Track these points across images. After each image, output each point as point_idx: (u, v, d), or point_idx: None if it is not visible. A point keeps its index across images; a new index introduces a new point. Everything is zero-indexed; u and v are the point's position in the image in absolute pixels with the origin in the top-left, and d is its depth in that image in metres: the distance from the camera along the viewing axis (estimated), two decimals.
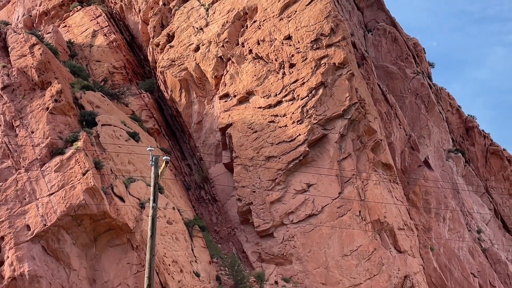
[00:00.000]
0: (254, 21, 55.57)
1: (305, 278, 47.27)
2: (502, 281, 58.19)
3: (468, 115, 75.72)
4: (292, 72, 52.38)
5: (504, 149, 73.62)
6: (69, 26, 66.26)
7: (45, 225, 32.97)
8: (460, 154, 68.59)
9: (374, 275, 47.09)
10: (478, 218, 63.59)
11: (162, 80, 60.12)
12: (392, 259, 48.87)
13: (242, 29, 56.32)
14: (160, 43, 60.62)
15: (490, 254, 59.48)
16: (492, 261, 58.98)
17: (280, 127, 51.54)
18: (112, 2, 68.49)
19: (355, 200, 48.44)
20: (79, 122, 38.54)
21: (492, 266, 58.30)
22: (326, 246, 47.87)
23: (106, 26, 63.76)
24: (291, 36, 53.05)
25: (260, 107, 53.33)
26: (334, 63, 51.10)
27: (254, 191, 50.70)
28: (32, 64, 38.50)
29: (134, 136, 42.43)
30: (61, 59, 45.79)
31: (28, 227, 33.28)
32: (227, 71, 56.00)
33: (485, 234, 62.23)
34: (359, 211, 48.41)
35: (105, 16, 65.06)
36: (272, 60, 53.55)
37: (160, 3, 62.88)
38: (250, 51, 54.88)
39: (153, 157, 22.33)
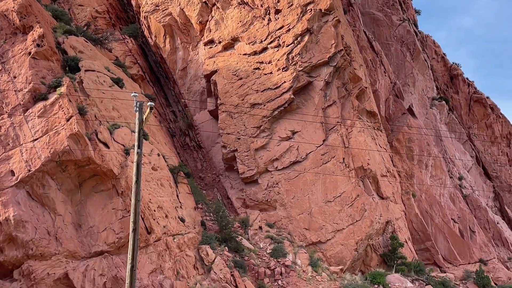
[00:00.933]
0: None
1: (289, 223, 47.99)
2: (482, 226, 59.47)
3: (453, 63, 75.87)
4: (278, 18, 51.82)
5: (487, 97, 74.12)
6: None
7: (29, 170, 32.94)
8: (444, 102, 68.99)
9: (357, 221, 47.90)
10: (460, 165, 64.46)
11: (146, 26, 59.27)
12: (375, 205, 49.66)
13: None
14: None
15: (470, 200, 60.57)
16: (472, 207, 60.11)
17: (265, 74, 51.32)
18: None
19: (339, 147, 48.79)
20: (62, 68, 38.04)
21: (472, 212, 59.46)
22: (310, 193, 48.45)
23: None
24: None
25: (245, 54, 52.92)
26: (320, 9, 50.57)
27: (239, 138, 50.83)
28: (13, 7, 37.66)
29: (118, 82, 42.04)
30: (42, 2, 44.82)
31: (12, 172, 33.22)
32: (212, 17, 55.25)
33: (466, 180, 63.20)
34: (343, 158, 48.83)
35: None
36: (257, 5, 52.83)
37: None
38: None
39: (138, 103, 22.21)
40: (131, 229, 16.40)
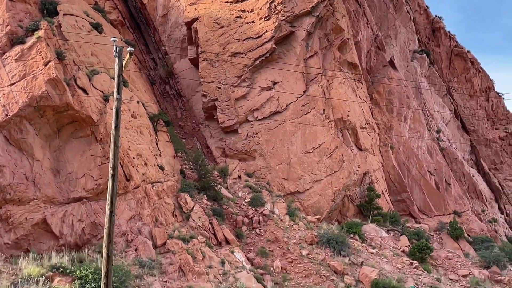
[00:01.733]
0: None
1: (268, 173, 48.32)
2: (457, 179, 60.44)
3: (436, 16, 75.59)
4: None
5: (468, 51, 74.27)
6: None
7: (7, 115, 32.53)
8: (425, 55, 69.02)
9: (335, 172, 48.39)
10: (438, 118, 65.01)
11: None
12: (353, 157, 50.12)
13: None
14: None
15: (447, 153, 61.34)
16: (449, 160, 60.92)
17: (247, 23, 50.76)
18: None
19: (319, 98, 48.82)
20: (40, 11, 37.19)
21: (448, 165, 60.30)
22: (289, 143, 48.67)
23: None
24: None
25: (227, 2, 52.17)
26: None
27: (219, 87, 50.58)
28: None
29: (97, 27, 41.28)
30: None
31: None
32: None
33: (444, 134, 63.88)
34: (323, 110, 48.93)
35: None
36: None
37: None
38: None
39: (117, 48, 21.84)
40: (110, 175, 16.38)
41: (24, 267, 30.36)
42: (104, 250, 15.84)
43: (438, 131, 62.67)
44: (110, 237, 15.87)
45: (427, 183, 56.08)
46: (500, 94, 76.07)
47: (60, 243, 33.10)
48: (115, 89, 20.41)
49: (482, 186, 61.78)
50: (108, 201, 16.15)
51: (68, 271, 30.87)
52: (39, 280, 29.58)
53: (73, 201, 34.08)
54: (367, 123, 54.18)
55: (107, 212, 16.21)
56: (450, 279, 44.41)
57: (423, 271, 43.42)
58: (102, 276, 15.87)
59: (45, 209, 33.12)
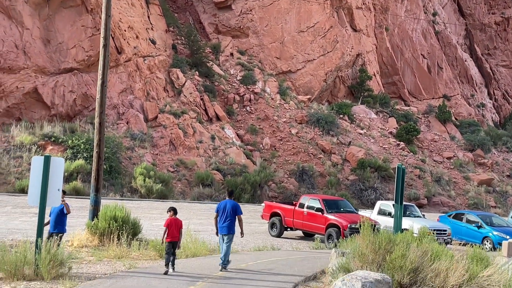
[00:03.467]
0: None
1: (261, 51, 47.95)
2: (450, 63, 60.29)
3: None
4: None
5: None
6: None
7: None
8: None
9: (328, 52, 48.09)
10: (435, 1, 63.78)
11: None
12: (347, 37, 49.61)
13: None
14: None
15: (442, 37, 60.77)
16: (443, 43, 60.46)
17: None
18: None
19: None
20: None
21: (442, 49, 59.93)
22: (283, 21, 47.93)
23: None
24: None
25: None
26: None
27: None
28: None
29: None
30: None
31: None
32: None
33: (440, 17, 62.92)
34: None
35: None
36: None
37: None
38: None
39: None
40: (101, 45, 16.19)
41: (16, 135, 30.81)
42: (96, 120, 15.98)
43: (434, 14, 61.67)
44: (102, 107, 15.97)
45: (419, 66, 55.96)
46: None
47: (52, 113, 33.35)
48: None
49: (474, 71, 61.73)
50: (100, 71, 16.07)
51: (60, 140, 31.37)
52: (31, 148, 30.14)
53: (64, 71, 33.96)
54: (363, 3, 53.19)
55: (99, 82, 16.19)
56: (434, 161, 45.60)
57: (409, 152, 44.47)
58: (94, 145, 16.13)
59: (36, 79, 33.07)
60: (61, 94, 33.60)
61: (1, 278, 9.80)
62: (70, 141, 30.93)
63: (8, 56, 32.12)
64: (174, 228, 11.78)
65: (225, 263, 12.43)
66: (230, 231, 12.57)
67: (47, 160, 10.55)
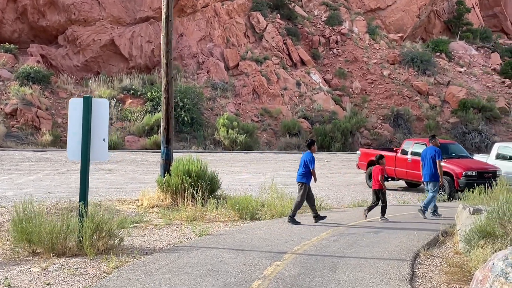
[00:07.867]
0: None
1: None
2: None
3: None
4: None
5: None
6: None
7: None
8: None
9: None
10: None
11: None
12: None
13: None
14: None
15: None
16: None
17: None
18: None
19: None
20: None
21: None
22: None
23: None
24: None
25: None
26: None
27: None
28: None
29: None
30: None
31: None
32: None
33: None
34: None
35: None
36: None
37: None
38: None
39: None
40: None
41: (95, 89, 29.70)
42: (163, 60, 13.83)
43: None
44: (168, 45, 13.83)
45: None
46: None
47: (130, 66, 32.04)
48: None
49: None
50: (163, 3, 13.90)
51: (139, 93, 30.08)
52: (111, 102, 28.86)
53: (140, 21, 32.44)
54: None
55: (163, 16, 14.07)
56: None
57: None
58: (162, 90, 14.14)
59: (112, 30, 31.73)
60: (139, 45, 32.11)
61: (39, 253, 7.84)
62: (149, 94, 29.58)
63: (82, 8, 30.83)
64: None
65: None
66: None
67: (87, 102, 8.19)
